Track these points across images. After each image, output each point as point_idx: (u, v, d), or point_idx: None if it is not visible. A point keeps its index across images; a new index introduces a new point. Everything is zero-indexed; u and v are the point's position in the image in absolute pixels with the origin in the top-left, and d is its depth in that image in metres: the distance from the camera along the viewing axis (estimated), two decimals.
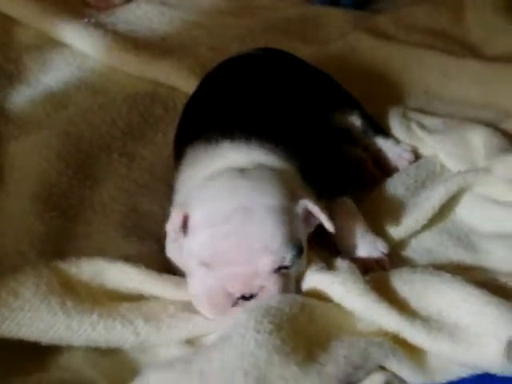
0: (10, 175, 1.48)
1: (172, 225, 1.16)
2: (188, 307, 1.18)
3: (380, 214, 1.39)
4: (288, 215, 1.16)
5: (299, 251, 1.16)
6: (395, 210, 1.39)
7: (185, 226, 1.16)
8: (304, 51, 1.81)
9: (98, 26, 1.90)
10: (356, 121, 1.56)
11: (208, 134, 1.30)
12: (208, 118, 1.36)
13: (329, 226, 1.19)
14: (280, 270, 1.14)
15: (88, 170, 1.50)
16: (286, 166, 1.24)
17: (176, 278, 1.21)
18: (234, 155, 1.25)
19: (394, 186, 1.46)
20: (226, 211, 1.13)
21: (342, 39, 1.87)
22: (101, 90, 1.74)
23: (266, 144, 1.25)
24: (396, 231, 1.35)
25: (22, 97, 1.71)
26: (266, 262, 1.13)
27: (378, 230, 1.33)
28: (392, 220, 1.36)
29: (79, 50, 1.84)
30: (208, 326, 1.16)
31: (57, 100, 1.70)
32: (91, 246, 1.34)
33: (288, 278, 1.16)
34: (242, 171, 1.19)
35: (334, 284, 1.15)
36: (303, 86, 1.49)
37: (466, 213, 1.43)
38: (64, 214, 1.40)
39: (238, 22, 1.98)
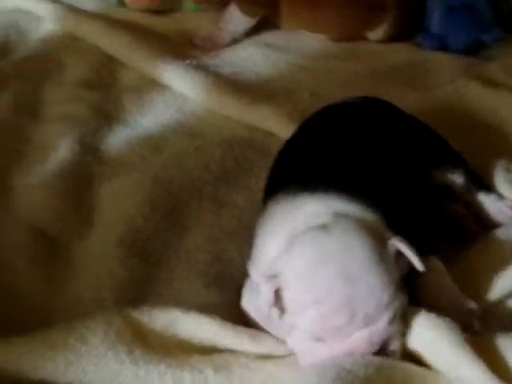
0: (98, 217, 1.47)
1: (265, 301, 1.11)
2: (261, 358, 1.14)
3: (481, 271, 1.30)
4: (384, 263, 1.11)
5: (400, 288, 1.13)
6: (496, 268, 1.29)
7: (277, 299, 1.12)
8: (411, 97, 1.74)
9: (200, 67, 1.88)
10: (458, 178, 1.48)
11: (288, 186, 1.25)
12: (292, 168, 1.32)
13: (417, 263, 1.13)
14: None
15: (176, 216, 1.47)
16: (368, 213, 1.18)
17: (251, 331, 1.17)
18: (312, 207, 1.19)
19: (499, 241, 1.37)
20: (326, 283, 1.09)
21: (451, 85, 1.78)
22: (198, 133, 1.71)
23: (345, 193, 1.19)
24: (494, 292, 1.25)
25: (118, 138, 1.70)
26: (383, 319, 1.10)
27: (475, 290, 1.25)
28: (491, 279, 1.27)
29: (179, 91, 1.82)
30: (281, 376, 1.11)
31: (153, 143, 1.68)
32: (171, 294, 1.31)
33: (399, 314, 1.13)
34: (324, 229, 1.13)
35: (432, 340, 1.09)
36: (402, 140, 1.42)
37: None
38: (147, 260, 1.37)
39: (343, 66, 1.92)
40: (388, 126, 1.43)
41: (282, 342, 1.16)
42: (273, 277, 1.12)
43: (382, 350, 1.11)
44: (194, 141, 1.68)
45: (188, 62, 1.89)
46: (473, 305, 1.20)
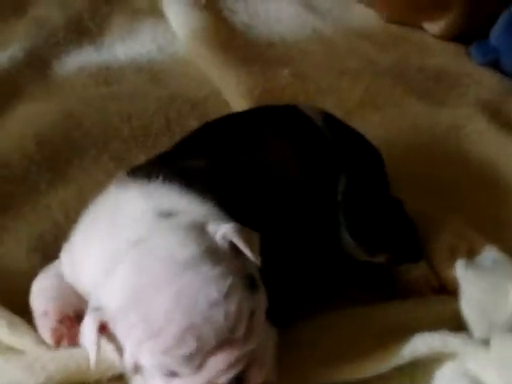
0: None
1: (89, 339, 0.94)
2: None
3: None
4: (219, 268, 0.94)
5: (251, 287, 0.96)
6: None
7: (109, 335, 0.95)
8: (411, 107, 1.49)
9: (208, 8, 1.67)
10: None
11: (132, 172, 1.08)
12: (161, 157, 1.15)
13: (250, 254, 0.95)
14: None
15: (53, 164, 1.32)
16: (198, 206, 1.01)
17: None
18: (134, 206, 1.02)
19: None
20: (157, 312, 0.92)
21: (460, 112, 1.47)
22: (160, 78, 1.54)
23: (177, 184, 1.03)
24: None
25: (78, 59, 1.56)
26: (238, 332, 0.93)
27: None
28: None
29: (173, 28, 1.63)
30: None
31: (106, 75, 1.54)
32: None
33: (259, 321, 0.96)
34: (136, 243, 0.97)
35: None
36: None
37: None
38: None
39: (365, 51, 1.64)
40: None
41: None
42: (96, 309, 0.95)
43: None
44: (147, 86, 1.51)
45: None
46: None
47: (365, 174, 1.21)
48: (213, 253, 0.95)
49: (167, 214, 0.99)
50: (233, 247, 0.96)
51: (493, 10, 1.68)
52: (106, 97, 1.43)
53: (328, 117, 1.24)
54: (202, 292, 0.92)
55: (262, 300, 0.98)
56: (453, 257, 1.22)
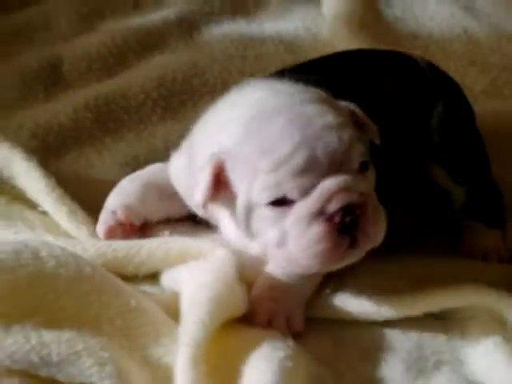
0: None
1: (202, 184, 0.98)
2: None
3: None
4: (337, 110, 0.98)
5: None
6: None
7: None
8: None
9: None
10: (459, 195, 1.22)
11: None
12: None
13: (371, 125, 1.01)
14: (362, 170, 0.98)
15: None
16: None
17: None
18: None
19: None
20: (274, 132, 0.95)
21: None
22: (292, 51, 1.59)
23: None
24: None
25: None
26: (350, 160, 0.96)
27: None
28: None
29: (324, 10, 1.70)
30: None
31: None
32: None
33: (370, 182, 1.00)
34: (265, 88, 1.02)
35: None
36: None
37: None
38: None
39: None
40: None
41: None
42: (212, 154, 0.98)
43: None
44: (279, 54, 1.57)
45: None
46: None
47: (459, 107, 1.23)
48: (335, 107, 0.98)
49: None
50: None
51: None
52: (233, 56, 1.52)
53: (432, 64, 1.27)
54: (319, 116, 0.95)
55: (372, 180, 1.00)
56: None
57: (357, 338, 1.03)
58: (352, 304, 1.03)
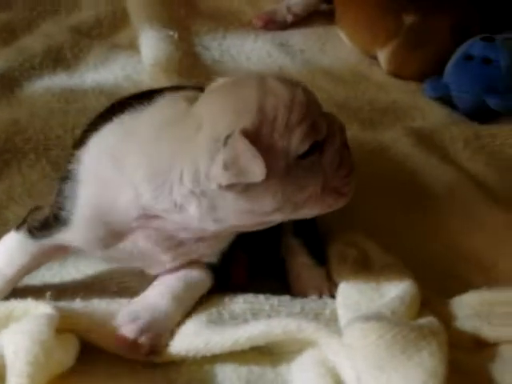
0: None
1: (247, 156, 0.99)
2: None
3: None
4: None
5: None
6: None
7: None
8: None
9: (179, 43, 1.77)
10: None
11: None
12: None
13: None
14: None
15: None
16: None
17: None
18: None
19: None
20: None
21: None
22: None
23: None
24: None
25: (47, 83, 1.68)
26: None
27: None
28: None
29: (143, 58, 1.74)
30: None
31: (67, 96, 1.64)
32: None
33: None
34: None
35: None
36: None
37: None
38: None
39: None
40: None
41: None
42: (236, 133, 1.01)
43: None
44: (100, 104, 1.59)
45: (171, 33, 1.78)
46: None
47: None
48: None
49: None
50: None
51: (441, 48, 1.72)
52: (54, 110, 1.54)
53: None
54: None
55: None
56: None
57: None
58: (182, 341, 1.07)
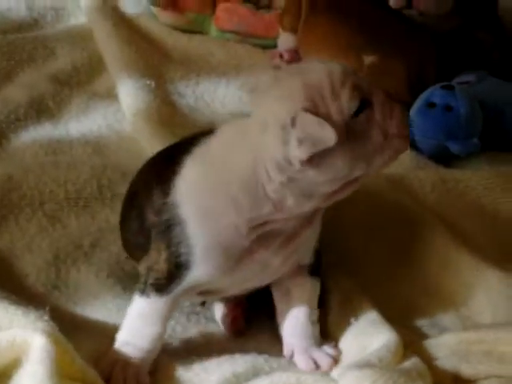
0: None
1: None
2: None
3: None
4: None
5: None
6: None
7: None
8: None
9: (158, 92, 1.85)
10: None
11: None
12: None
13: None
14: None
15: None
16: None
17: None
18: None
19: None
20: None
21: None
22: (102, 151, 1.70)
23: None
24: None
25: (33, 133, 1.75)
26: None
27: None
28: None
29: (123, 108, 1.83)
30: None
31: (54, 147, 1.71)
32: None
33: None
34: None
35: None
36: None
37: None
38: None
39: None
40: None
41: None
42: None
43: None
44: (88, 157, 1.68)
45: (148, 82, 1.86)
46: None
47: None
48: None
49: None
50: None
51: (399, 88, 1.84)
52: (45, 164, 1.59)
53: None
54: None
55: None
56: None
57: None
58: None
